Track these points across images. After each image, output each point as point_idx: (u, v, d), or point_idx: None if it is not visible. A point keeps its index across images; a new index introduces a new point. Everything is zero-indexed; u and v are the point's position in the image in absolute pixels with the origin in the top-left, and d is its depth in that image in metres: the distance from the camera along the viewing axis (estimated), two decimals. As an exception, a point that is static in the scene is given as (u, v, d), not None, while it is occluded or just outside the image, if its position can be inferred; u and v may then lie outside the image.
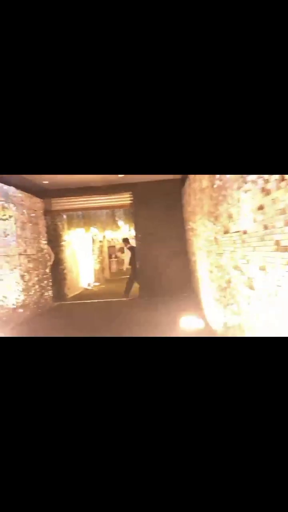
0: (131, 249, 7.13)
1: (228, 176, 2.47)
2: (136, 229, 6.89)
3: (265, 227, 1.72)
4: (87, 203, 7.05)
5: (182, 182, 6.09)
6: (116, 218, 8.18)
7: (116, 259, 13.37)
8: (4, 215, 4.87)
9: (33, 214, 6.11)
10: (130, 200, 6.86)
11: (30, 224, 5.91)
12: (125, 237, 7.67)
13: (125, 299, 6.87)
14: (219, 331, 3.45)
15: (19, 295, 5.16)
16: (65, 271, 7.42)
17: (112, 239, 12.17)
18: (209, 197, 3.38)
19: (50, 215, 6.95)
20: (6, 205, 4.95)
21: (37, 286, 5.98)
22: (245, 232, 2.14)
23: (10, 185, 5.16)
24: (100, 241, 11.55)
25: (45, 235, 6.68)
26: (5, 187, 4.97)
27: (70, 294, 7.75)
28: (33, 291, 5.76)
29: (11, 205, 5.15)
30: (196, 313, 4.77)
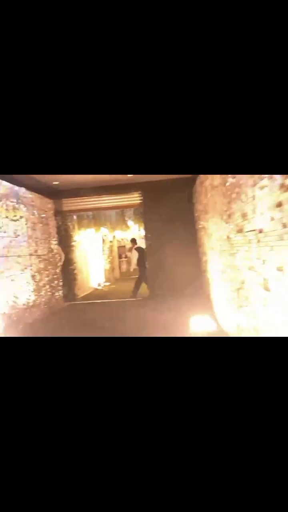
0: (138, 249, 7.07)
1: (242, 172, 2.38)
2: (145, 229, 6.83)
3: (284, 226, 1.63)
4: (97, 203, 7.04)
5: (193, 180, 5.98)
6: (126, 218, 8.16)
7: (126, 259, 13.37)
8: (15, 215, 4.91)
9: (44, 215, 6.15)
10: (140, 199, 6.81)
11: (41, 225, 5.94)
12: (133, 237, 7.62)
13: (134, 299, 6.83)
14: (232, 333, 3.34)
15: (30, 295, 5.19)
16: (75, 271, 7.45)
17: (122, 239, 12.17)
18: (221, 195, 3.28)
19: (61, 215, 6.98)
20: (17, 206, 4.99)
21: (47, 286, 6.01)
22: (261, 231, 2.05)
23: (21, 186, 5.20)
24: (110, 241, 11.57)
25: (56, 235, 6.71)
26: (16, 188, 5.01)
27: (81, 294, 7.77)
28: (43, 291, 5.80)
29: (22, 206, 5.19)
30: (207, 314, 4.67)
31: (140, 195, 6.75)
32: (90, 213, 7.95)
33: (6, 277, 4.47)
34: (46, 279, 5.97)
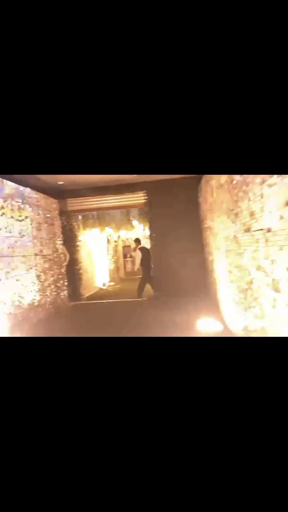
0: (142, 249, 7.00)
1: (249, 170, 2.32)
2: (150, 229, 6.79)
3: (294, 224, 1.57)
4: (101, 203, 7.03)
5: (198, 179, 5.92)
6: (131, 218, 8.13)
7: (130, 259, 13.35)
8: (20, 216, 4.92)
9: (49, 215, 6.15)
10: (145, 199, 6.77)
11: (46, 225, 5.95)
12: (137, 237, 7.56)
13: (139, 299, 6.79)
14: (239, 335, 3.28)
15: (35, 295, 5.20)
16: (80, 271, 7.45)
17: (126, 239, 12.15)
18: (228, 194, 3.22)
19: (66, 215, 6.99)
20: (22, 206, 5.00)
21: (52, 286, 6.02)
22: (269, 230, 1.99)
23: (26, 186, 5.21)
24: (115, 241, 11.56)
25: (61, 235, 6.72)
26: (21, 188, 5.02)
27: (86, 294, 7.77)
28: (49, 291, 5.80)
29: (27, 206, 5.19)
30: (214, 315, 4.61)
31: (145, 194, 6.71)
32: (95, 213, 7.94)
33: (12, 277, 4.47)
34: (51, 279, 5.97)
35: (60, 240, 6.66)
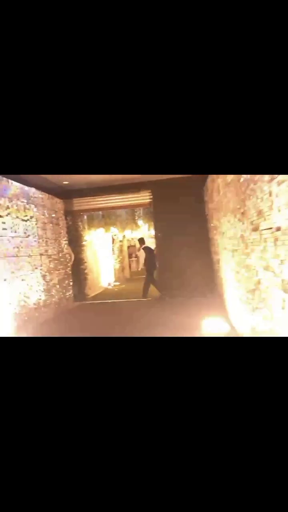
0: (146, 249, 6.95)
1: (257, 167, 2.26)
2: (155, 228, 6.74)
3: (306, 223, 1.51)
4: (107, 203, 7.01)
5: (204, 178, 5.85)
6: (136, 218, 8.10)
7: (136, 259, 13.34)
8: (26, 216, 4.93)
9: (54, 215, 6.16)
10: (150, 198, 6.72)
11: (51, 225, 5.96)
12: (141, 237, 7.49)
13: (144, 299, 6.75)
14: (246, 335, 3.22)
15: (40, 295, 5.21)
16: (85, 271, 7.45)
17: (132, 239, 12.13)
18: (234, 192, 3.16)
19: (71, 215, 7.00)
20: (27, 206, 5.01)
21: (58, 286, 6.03)
22: (278, 229, 1.93)
23: (31, 186, 5.22)
24: (120, 241, 11.54)
25: (66, 235, 6.73)
26: (26, 188, 5.03)
27: (91, 293, 7.77)
28: (54, 291, 5.81)
29: (32, 206, 5.20)
30: (220, 315, 4.54)
31: (150, 193, 6.66)
32: (100, 212, 7.94)
33: (17, 277, 4.48)
34: (57, 278, 5.98)
35: (66, 240, 6.67)
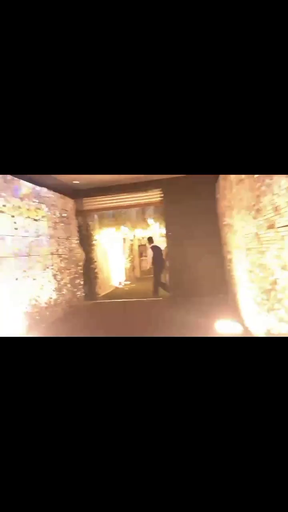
0: (154, 248, 6.86)
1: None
2: (166, 227, 6.66)
3: None
4: (117, 202, 6.99)
5: (216, 175, 5.71)
6: (146, 216, 8.04)
7: (146, 258, 13.29)
8: (37, 215, 4.96)
9: (65, 214, 6.19)
10: (160, 197, 6.65)
11: (62, 224, 5.99)
12: (150, 236, 7.41)
13: (155, 299, 6.69)
14: (259, 336, 3.10)
15: (51, 294, 5.24)
16: (96, 270, 7.46)
17: (142, 238, 12.09)
18: (248, 189, 3.04)
19: (82, 215, 7.01)
20: (38, 205, 5.04)
21: (69, 285, 6.05)
22: (297, 226, 1.82)
23: (42, 186, 5.25)
24: (131, 240, 11.52)
25: (77, 234, 6.75)
26: (37, 188, 5.06)
27: (102, 293, 7.77)
28: (65, 290, 5.83)
29: (43, 205, 5.23)
30: (233, 316, 4.42)
31: (161, 192, 6.58)
32: (110, 212, 7.92)
33: (28, 276, 4.52)
34: (68, 278, 6.01)
35: (76, 240, 6.68)
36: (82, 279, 6.81)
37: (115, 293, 8.30)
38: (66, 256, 6.05)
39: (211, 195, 6.18)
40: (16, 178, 4.40)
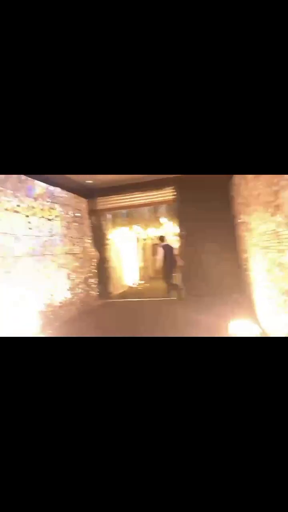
0: (165, 247, 6.70)
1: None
2: (180, 226, 6.55)
3: None
4: (130, 201, 6.96)
5: (231, 172, 5.55)
6: (158, 215, 7.97)
7: (156, 257, 13.20)
8: (50, 215, 5.00)
9: (78, 214, 6.22)
10: (174, 195, 6.55)
11: (76, 224, 6.02)
12: (161, 235, 7.22)
13: (168, 298, 6.60)
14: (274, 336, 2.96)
15: (65, 294, 5.28)
16: (109, 270, 7.47)
17: (155, 237, 12.02)
18: (266, 185, 2.91)
19: (95, 214, 7.04)
20: (52, 205, 5.09)
21: (83, 284, 6.08)
22: None
23: (56, 186, 5.29)
24: (144, 239, 11.47)
25: (90, 234, 6.77)
26: (51, 188, 5.11)
27: (115, 292, 7.78)
28: (78, 290, 5.87)
29: (57, 205, 5.28)
30: (249, 317, 4.27)
31: (174, 190, 6.49)
32: (124, 211, 7.91)
33: (42, 275, 4.57)
34: (81, 277, 6.04)
35: (90, 239, 6.71)
36: (96, 279, 6.83)
37: (129, 293, 8.29)
38: (80, 256, 6.09)
39: (225, 192, 6.02)
40: (30, 178, 4.46)
